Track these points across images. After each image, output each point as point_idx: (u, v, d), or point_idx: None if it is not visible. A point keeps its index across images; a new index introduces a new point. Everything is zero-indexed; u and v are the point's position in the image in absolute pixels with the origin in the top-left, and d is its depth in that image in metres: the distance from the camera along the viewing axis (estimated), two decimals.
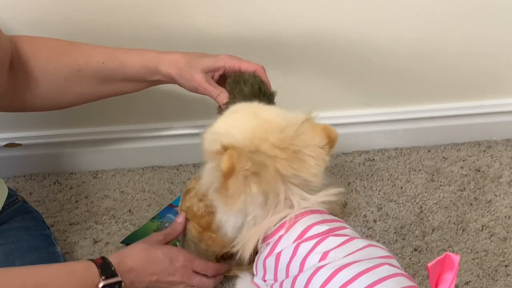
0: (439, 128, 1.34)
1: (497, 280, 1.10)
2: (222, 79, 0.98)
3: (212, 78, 0.97)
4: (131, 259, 0.91)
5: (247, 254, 0.82)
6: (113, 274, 0.87)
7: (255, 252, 0.84)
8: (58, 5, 1.09)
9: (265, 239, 0.81)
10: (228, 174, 0.76)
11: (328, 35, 1.19)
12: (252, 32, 1.16)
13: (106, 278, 0.85)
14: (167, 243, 1.01)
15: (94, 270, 0.86)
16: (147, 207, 1.24)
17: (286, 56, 1.21)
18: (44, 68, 0.98)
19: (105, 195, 1.27)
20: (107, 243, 1.17)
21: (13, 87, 0.97)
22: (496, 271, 1.12)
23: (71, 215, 1.23)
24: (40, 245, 1.04)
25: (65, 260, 1.08)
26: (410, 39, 1.21)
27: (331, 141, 0.84)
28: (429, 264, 0.68)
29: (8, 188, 1.07)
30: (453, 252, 1.14)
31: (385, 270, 0.72)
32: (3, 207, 1.03)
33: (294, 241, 0.78)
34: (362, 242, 0.77)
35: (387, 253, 0.77)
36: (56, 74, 0.98)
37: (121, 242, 1.16)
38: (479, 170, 1.31)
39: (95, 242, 1.18)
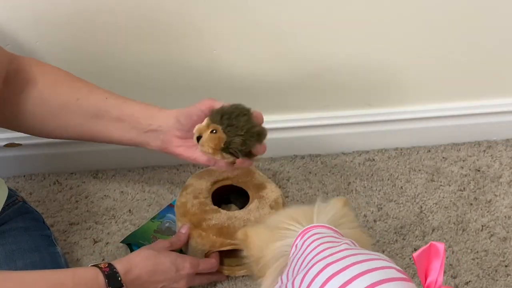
0: (439, 128, 1.34)
1: (497, 280, 1.10)
2: None
3: None
4: (138, 268, 0.92)
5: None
6: (119, 284, 0.88)
7: None
8: (58, 5, 1.10)
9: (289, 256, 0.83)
10: None
11: (328, 34, 1.19)
12: (253, 29, 1.16)
13: None
14: (172, 250, 1.02)
15: (101, 279, 0.86)
16: (147, 207, 1.24)
17: (287, 56, 1.21)
18: (41, 93, 0.98)
19: (105, 195, 1.27)
20: (107, 243, 1.17)
21: (1, 104, 0.98)
22: (496, 271, 1.12)
23: (71, 215, 1.23)
24: (40, 246, 1.04)
25: (65, 260, 1.08)
26: (410, 39, 1.21)
27: None
28: (415, 254, 0.67)
29: (8, 188, 1.07)
30: (453, 252, 1.14)
31: (376, 263, 0.72)
32: (3, 208, 1.03)
33: (308, 238, 0.81)
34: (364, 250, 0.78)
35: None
36: (52, 99, 0.99)
37: (121, 242, 1.16)
38: (479, 170, 1.31)
39: (95, 242, 1.18)
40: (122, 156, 1.31)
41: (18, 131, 1.07)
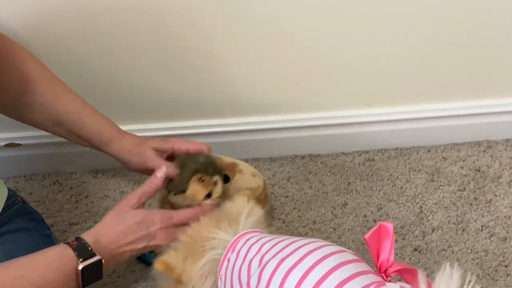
0: (439, 128, 1.34)
1: (497, 280, 1.10)
2: (170, 160, 1.03)
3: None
4: (106, 236, 0.90)
5: None
6: (91, 254, 0.86)
7: None
8: (58, 6, 1.10)
9: (219, 274, 0.83)
10: None
11: (328, 34, 1.19)
12: (253, 29, 1.16)
13: (84, 259, 0.84)
14: (144, 203, 0.98)
15: (70, 253, 0.84)
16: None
17: (287, 56, 1.21)
18: (7, 88, 0.99)
19: (105, 195, 1.27)
20: None
21: None
22: (496, 271, 1.12)
23: (71, 215, 1.23)
24: (40, 245, 1.04)
25: None
26: (410, 39, 1.21)
27: None
28: (366, 236, 0.70)
29: (8, 188, 1.07)
30: (453, 252, 1.14)
31: (328, 249, 0.73)
32: (3, 208, 1.02)
33: (241, 247, 0.81)
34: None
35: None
36: (18, 98, 1.00)
37: None
38: (479, 170, 1.31)
39: None
40: None
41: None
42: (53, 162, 1.30)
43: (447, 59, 1.25)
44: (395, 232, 1.18)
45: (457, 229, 1.19)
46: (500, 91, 1.33)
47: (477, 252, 1.15)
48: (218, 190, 0.99)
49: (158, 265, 0.85)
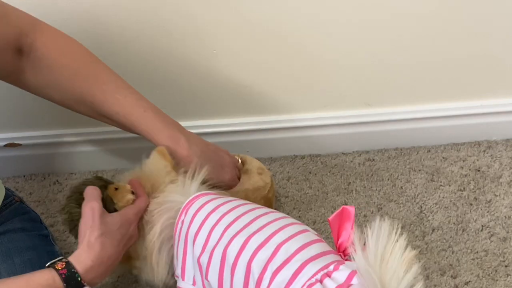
0: (439, 128, 1.34)
1: (497, 280, 1.10)
2: None
3: None
4: (103, 265, 0.85)
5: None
6: (80, 285, 0.82)
7: None
8: (58, 5, 1.10)
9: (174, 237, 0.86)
10: None
11: (328, 34, 1.19)
12: (253, 30, 1.16)
13: None
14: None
15: (58, 284, 0.81)
16: None
17: (286, 56, 1.21)
18: (56, 81, 0.97)
19: None
20: None
21: (17, 71, 0.96)
22: (496, 271, 1.12)
23: None
24: (38, 245, 1.04)
25: None
26: (410, 39, 1.21)
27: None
28: (330, 218, 0.74)
29: (6, 188, 1.06)
30: (453, 252, 1.14)
31: (293, 228, 0.78)
32: (0, 209, 1.03)
33: (196, 212, 0.84)
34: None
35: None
36: (65, 91, 0.97)
37: None
38: (479, 170, 1.31)
39: None
40: (122, 156, 1.31)
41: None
42: (53, 162, 1.30)
43: (447, 59, 1.25)
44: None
45: (457, 229, 1.19)
46: (500, 91, 1.33)
47: (477, 252, 1.15)
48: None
49: (159, 149, 0.92)
